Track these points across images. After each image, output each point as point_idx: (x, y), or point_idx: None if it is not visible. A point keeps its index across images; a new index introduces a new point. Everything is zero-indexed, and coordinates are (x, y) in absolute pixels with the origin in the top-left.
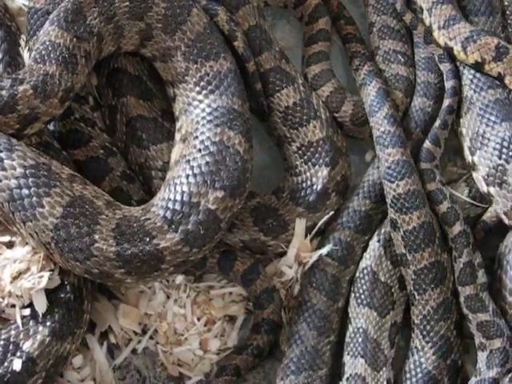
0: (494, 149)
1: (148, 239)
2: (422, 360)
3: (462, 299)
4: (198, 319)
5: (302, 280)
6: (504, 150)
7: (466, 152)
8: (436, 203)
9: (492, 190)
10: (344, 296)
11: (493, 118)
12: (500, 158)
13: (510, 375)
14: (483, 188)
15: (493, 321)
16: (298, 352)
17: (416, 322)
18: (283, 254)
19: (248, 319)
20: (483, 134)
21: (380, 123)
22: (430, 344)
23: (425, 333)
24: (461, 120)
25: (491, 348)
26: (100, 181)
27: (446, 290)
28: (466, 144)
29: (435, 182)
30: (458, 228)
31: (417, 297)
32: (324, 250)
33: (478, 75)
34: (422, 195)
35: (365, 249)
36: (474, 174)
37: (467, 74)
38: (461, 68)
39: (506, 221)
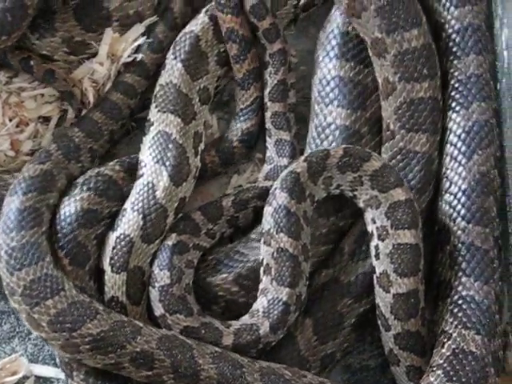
0: None
1: None
2: None
3: (269, 114)
4: (10, 120)
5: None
6: None
7: None
8: (259, 18)
9: None
10: None
11: None
12: None
13: None
14: None
15: (291, 142)
16: None
17: None
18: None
19: (63, 118)
20: None
21: None
22: None
23: None
24: None
25: (279, 164)
26: None
27: None
28: None
29: None
30: (278, 45)
31: None
32: (140, 40)
33: None
34: None
35: None
36: None
37: None
38: None
39: None
